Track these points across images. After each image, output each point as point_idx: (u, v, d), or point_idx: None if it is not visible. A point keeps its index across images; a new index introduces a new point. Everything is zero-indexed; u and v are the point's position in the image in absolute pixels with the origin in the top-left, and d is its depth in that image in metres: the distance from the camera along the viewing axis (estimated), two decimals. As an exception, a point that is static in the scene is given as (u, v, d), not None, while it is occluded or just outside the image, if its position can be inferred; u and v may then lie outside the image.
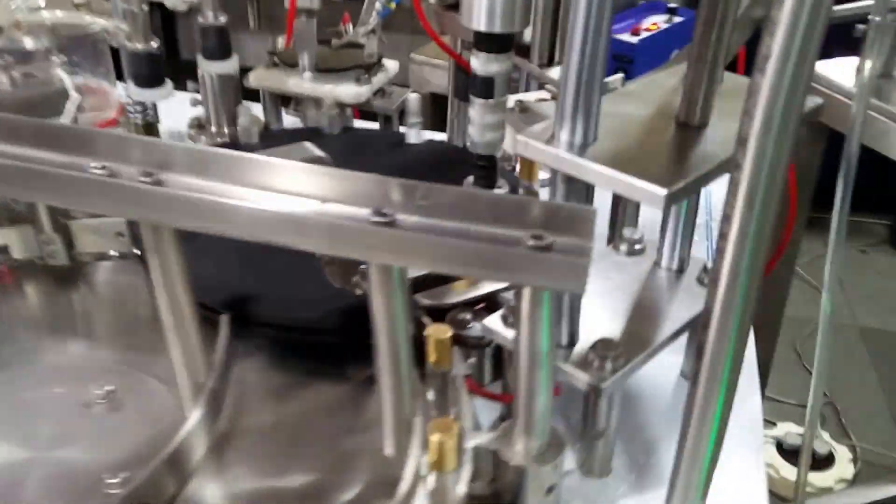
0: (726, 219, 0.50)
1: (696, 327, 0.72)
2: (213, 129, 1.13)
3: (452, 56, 1.03)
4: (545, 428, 0.58)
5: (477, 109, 0.72)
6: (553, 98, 0.95)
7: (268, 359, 0.74)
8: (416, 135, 1.11)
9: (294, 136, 1.11)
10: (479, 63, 0.69)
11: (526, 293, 0.54)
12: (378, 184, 0.58)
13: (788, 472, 1.85)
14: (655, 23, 2.31)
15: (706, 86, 0.64)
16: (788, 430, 1.97)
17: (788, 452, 1.90)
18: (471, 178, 0.79)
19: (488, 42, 0.68)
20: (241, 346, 0.71)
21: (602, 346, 0.64)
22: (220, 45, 1.05)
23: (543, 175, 0.99)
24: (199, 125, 1.15)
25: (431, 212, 0.58)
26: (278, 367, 0.74)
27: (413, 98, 1.09)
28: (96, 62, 1.08)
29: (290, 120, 1.20)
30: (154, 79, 0.98)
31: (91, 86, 1.14)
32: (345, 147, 1.10)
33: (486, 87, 0.71)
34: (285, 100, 1.19)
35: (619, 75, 0.97)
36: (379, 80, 1.13)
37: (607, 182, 0.59)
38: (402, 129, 1.13)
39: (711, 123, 0.66)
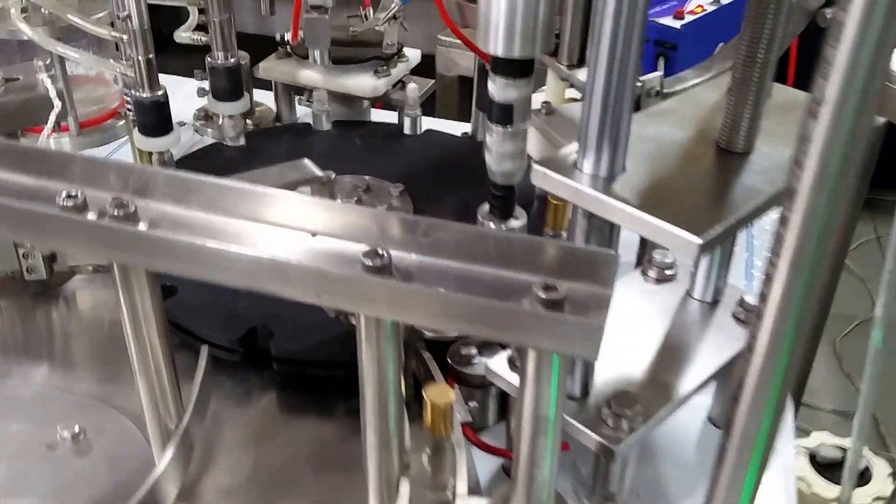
0: (768, 279, 0.43)
1: (729, 373, 0.66)
2: (221, 121, 1.08)
3: (476, 52, 0.97)
4: (549, 496, 0.53)
5: (494, 137, 0.65)
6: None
7: (247, 392, 0.69)
8: (412, 125, 1.05)
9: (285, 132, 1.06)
10: (496, 88, 0.62)
11: (531, 352, 0.48)
12: (375, 218, 0.53)
13: (822, 488, 1.76)
14: (701, 4, 2.20)
15: (752, 110, 0.57)
16: (823, 440, 1.87)
17: (822, 466, 1.82)
18: (485, 207, 0.73)
19: (506, 67, 0.61)
20: (222, 380, 0.66)
21: (618, 400, 0.58)
22: (231, 87, 0.99)
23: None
24: (205, 116, 1.10)
25: (433, 251, 0.52)
26: (258, 401, 0.69)
27: (412, 88, 1.03)
28: (97, 50, 1.02)
29: (303, 111, 1.15)
30: (160, 128, 0.92)
31: (90, 75, 1.09)
32: (336, 141, 1.04)
33: (503, 114, 0.63)
34: (299, 89, 1.13)
35: (657, 73, 0.90)
36: (399, 70, 1.07)
37: (634, 224, 0.52)
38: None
39: (757, 148, 0.59)
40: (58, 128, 0.84)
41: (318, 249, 0.53)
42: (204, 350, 0.63)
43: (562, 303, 0.47)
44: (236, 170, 0.96)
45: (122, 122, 1.06)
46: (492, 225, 0.71)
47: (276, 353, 0.71)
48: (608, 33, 0.50)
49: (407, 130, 1.05)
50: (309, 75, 1.04)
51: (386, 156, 1.01)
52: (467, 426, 0.63)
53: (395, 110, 1.10)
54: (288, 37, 1.06)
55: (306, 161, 0.64)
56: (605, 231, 0.57)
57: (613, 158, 0.54)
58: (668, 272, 0.75)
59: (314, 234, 0.54)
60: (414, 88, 1.03)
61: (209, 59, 0.97)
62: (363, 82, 1.03)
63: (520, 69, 0.61)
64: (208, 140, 1.08)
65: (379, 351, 0.50)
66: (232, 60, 0.96)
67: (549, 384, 0.49)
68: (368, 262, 0.48)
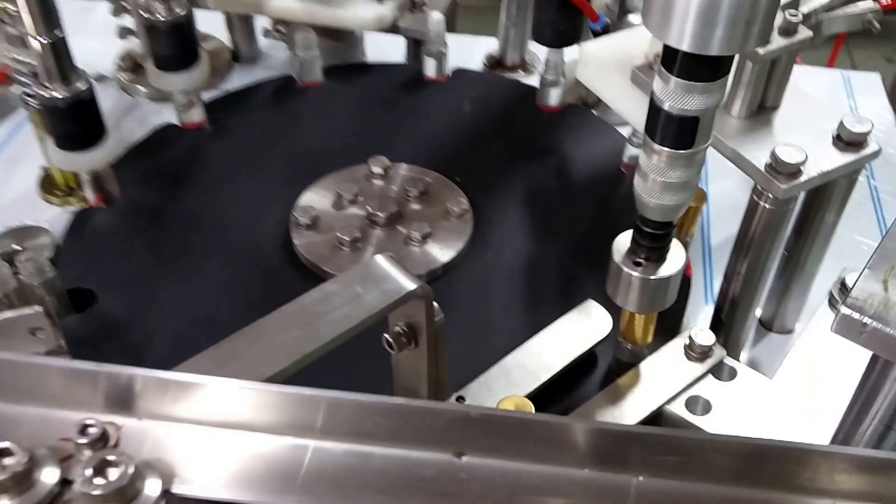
0: None
1: None
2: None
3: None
4: None
5: (656, 162, 0.46)
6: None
7: None
8: (437, 67, 0.81)
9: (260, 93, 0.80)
10: (672, 94, 0.43)
11: None
12: (579, 432, 0.32)
13: None
14: None
15: None
16: None
17: None
18: (624, 242, 0.52)
19: (694, 66, 0.41)
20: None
21: None
22: (180, 53, 0.71)
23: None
24: (133, 66, 0.83)
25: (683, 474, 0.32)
26: None
27: (435, 19, 0.78)
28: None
29: (267, 44, 0.88)
30: (88, 138, 0.64)
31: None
32: (335, 101, 0.79)
33: (680, 132, 0.44)
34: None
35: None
36: (405, -14, 0.81)
37: None
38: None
39: None
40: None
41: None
42: None
43: None
44: (208, 166, 0.71)
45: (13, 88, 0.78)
46: (635, 273, 0.51)
47: None
48: None
49: (431, 73, 0.80)
50: (284, 5, 0.77)
51: (405, 118, 0.77)
52: None
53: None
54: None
55: (379, 260, 0.40)
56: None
57: None
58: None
59: (461, 456, 0.33)
60: (438, 20, 0.77)
61: (140, 9, 0.68)
62: (362, 11, 0.77)
63: (715, 69, 0.42)
64: (142, 102, 0.81)
65: None
66: (178, 11, 0.68)
67: None
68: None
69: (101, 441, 0.33)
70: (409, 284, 0.40)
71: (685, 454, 0.31)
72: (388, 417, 0.32)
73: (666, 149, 0.45)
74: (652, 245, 0.50)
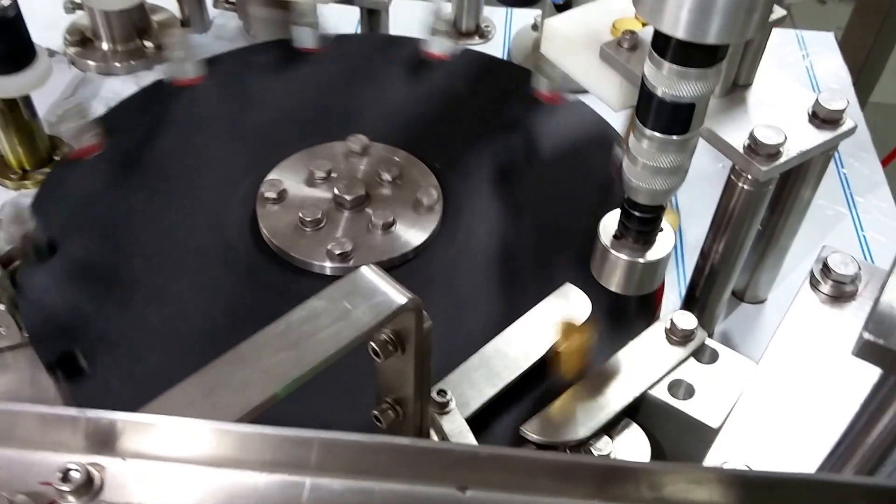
0: None
1: None
2: (106, 45, 0.77)
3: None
4: None
5: (647, 146, 0.44)
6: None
7: None
8: (441, 45, 0.76)
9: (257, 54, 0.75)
10: (666, 80, 0.40)
11: None
12: (589, 466, 0.31)
13: None
14: None
15: None
16: None
17: None
18: (610, 224, 0.50)
19: (690, 54, 0.39)
20: None
21: None
22: None
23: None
24: (81, 40, 0.78)
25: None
26: None
27: None
28: None
29: (216, 14, 0.84)
30: (16, 58, 0.59)
31: None
32: (321, 71, 0.75)
33: (675, 119, 0.42)
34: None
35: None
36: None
37: None
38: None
39: None
40: None
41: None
42: None
43: None
44: (206, 132, 0.67)
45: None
46: (623, 256, 0.49)
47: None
48: None
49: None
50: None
51: (376, 92, 0.74)
52: None
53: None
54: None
55: (365, 272, 0.38)
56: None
57: None
58: (847, 287, 0.54)
59: (464, 490, 0.31)
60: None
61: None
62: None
63: (713, 54, 0.40)
64: (93, 77, 0.77)
65: None
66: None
67: None
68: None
69: (85, 486, 0.30)
70: (400, 298, 0.37)
71: (701, 486, 0.30)
72: (390, 456, 0.30)
73: (658, 134, 0.43)
74: (640, 228, 0.49)
